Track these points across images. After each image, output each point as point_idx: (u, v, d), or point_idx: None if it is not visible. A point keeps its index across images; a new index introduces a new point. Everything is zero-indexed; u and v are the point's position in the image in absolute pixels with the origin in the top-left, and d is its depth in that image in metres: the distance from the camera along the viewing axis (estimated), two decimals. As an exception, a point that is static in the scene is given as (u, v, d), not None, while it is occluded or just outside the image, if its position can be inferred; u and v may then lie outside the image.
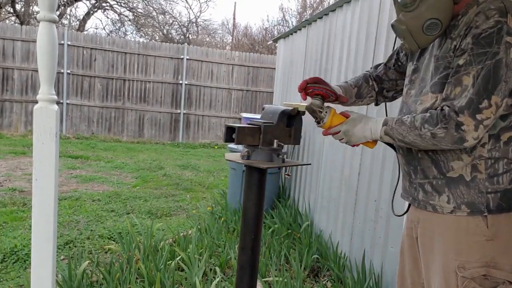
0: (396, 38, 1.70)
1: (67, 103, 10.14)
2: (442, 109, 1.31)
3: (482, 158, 1.35)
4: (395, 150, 1.62)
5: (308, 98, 1.58)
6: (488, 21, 1.28)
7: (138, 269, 2.94)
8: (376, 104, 1.85)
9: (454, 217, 1.39)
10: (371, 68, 1.84)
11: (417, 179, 1.48)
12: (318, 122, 1.55)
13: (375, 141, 1.54)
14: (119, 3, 17.40)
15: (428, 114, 1.34)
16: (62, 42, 9.87)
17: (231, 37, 23.41)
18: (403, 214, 1.67)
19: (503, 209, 1.35)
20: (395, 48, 1.80)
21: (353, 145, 1.58)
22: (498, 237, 1.35)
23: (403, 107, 1.57)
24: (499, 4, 1.30)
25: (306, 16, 18.00)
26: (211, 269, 3.16)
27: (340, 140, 1.56)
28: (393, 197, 1.69)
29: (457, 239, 1.38)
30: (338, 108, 1.60)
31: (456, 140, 1.29)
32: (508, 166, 1.36)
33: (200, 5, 31.93)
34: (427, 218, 1.47)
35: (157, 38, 19.85)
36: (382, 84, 1.78)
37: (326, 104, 1.55)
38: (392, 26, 1.48)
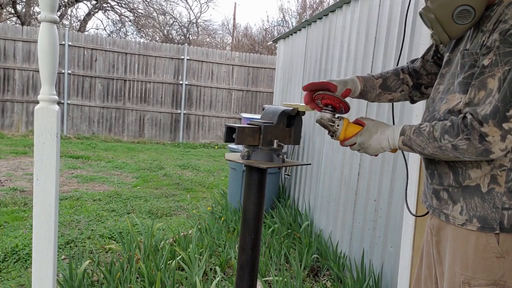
0: (404, 33, 1.64)
1: (68, 103, 10.16)
2: (464, 117, 1.17)
3: (503, 169, 1.21)
4: None
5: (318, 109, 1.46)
6: None
7: (139, 268, 2.95)
8: (413, 102, 1.65)
9: (464, 230, 1.27)
10: (407, 62, 1.65)
11: (433, 184, 1.36)
12: (331, 136, 1.43)
13: (395, 149, 1.39)
14: (119, 4, 17.42)
15: (448, 123, 1.20)
16: (63, 42, 9.89)
17: (231, 38, 23.44)
18: (423, 215, 1.54)
19: None
20: (403, 43, 1.63)
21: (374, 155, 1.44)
22: (510, 254, 1.22)
23: (429, 104, 1.41)
24: None
25: (306, 17, 18.01)
26: (211, 269, 3.17)
27: (358, 151, 1.43)
28: (406, 196, 1.61)
29: (465, 253, 1.27)
30: (353, 111, 1.46)
31: (481, 153, 1.15)
32: None
33: (200, 6, 31.90)
34: (441, 226, 1.36)
35: (157, 38, 19.87)
36: (419, 79, 1.59)
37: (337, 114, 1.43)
38: (420, 14, 1.33)
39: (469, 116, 1.16)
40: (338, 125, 1.40)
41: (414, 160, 2.29)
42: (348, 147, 1.43)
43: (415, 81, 1.59)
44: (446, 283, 1.32)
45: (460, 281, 1.27)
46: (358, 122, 1.41)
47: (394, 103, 1.69)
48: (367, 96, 1.58)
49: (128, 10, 17.82)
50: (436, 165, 1.34)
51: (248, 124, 1.53)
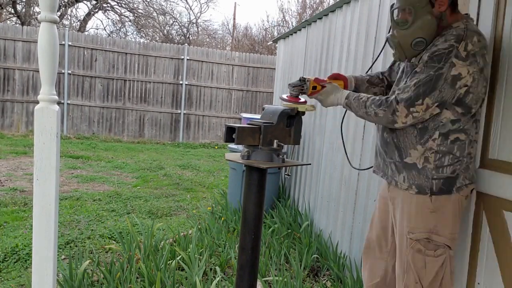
0: (382, 48, 2.21)
1: (68, 103, 10.16)
2: (389, 96, 1.76)
3: (432, 151, 1.74)
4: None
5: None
6: (445, 43, 1.67)
7: (139, 268, 2.95)
8: None
9: (408, 193, 1.82)
10: (383, 70, 2.31)
11: (388, 158, 1.91)
12: (304, 93, 1.95)
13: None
14: (119, 4, 17.41)
15: (378, 98, 1.78)
16: (63, 42, 9.88)
17: (231, 38, 23.42)
18: (366, 169, 2.48)
19: (443, 192, 1.75)
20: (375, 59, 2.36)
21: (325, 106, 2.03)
22: (439, 210, 1.75)
23: None
24: (459, 32, 1.66)
25: (306, 17, 18.00)
26: (211, 269, 3.17)
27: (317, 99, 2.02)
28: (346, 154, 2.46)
29: (409, 210, 1.81)
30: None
31: (390, 121, 1.75)
32: (452, 160, 1.74)
33: (200, 6, 31.86)
34: (395, 195, 1.89)
35: (157, 38, 19.85)
36: (389, 82, 2.20)
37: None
38: (387, 39, 1.86)
39: (392, 97, 1.74)
40: (306, 85, 1.93)
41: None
42: (315, 97, 2.00)
43: (386, 83, 2.22)
44: (398, 234, 1.87)
45: (407, 231, 1.81)
46: (319, 82, 1.97)
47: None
48: (359, 89, 2.17)
49: (128, 10, 17.82)
50: (387, 145, 1.89)
51: (248, 124, 1.53)
